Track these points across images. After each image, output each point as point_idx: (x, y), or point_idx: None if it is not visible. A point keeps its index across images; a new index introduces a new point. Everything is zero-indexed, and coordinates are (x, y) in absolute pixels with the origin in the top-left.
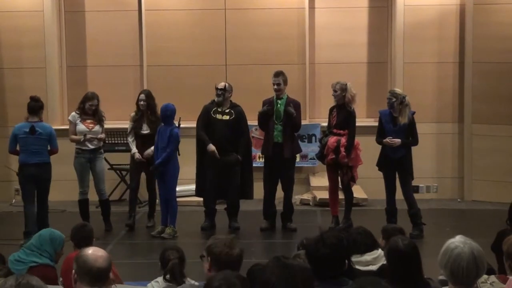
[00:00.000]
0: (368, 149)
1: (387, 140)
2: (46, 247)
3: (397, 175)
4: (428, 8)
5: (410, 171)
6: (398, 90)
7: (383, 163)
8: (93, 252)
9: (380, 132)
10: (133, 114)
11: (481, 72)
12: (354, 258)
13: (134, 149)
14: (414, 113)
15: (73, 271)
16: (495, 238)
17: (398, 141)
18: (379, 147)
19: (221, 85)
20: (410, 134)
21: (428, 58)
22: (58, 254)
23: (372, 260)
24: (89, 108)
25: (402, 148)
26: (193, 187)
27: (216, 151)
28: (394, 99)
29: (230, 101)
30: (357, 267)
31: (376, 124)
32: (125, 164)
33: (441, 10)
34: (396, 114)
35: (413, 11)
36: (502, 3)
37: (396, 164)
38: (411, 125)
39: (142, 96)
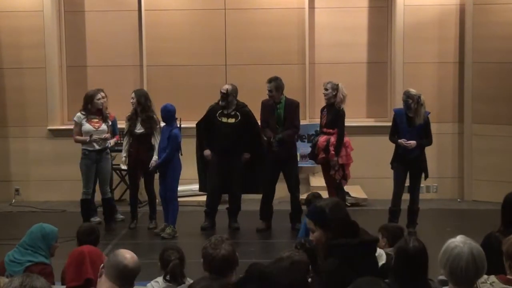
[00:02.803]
0: (368, 149)
1: (402, 142)
2: (40, 244)
3: (408, 174)
4: (428, 8)
5: (424, 170)
6: (413, 90)
7: (396, 163)
8: (126, 252)
9: (394, 131)
10: (128, 114)
11: (481, 72)
12: None
13: (123, 154)
14: (429, 113)
15: (102, 265)
16: (482, 241)
17: (413, 143)
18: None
19: (224, 88)
20: (424, 134)
21: (428, 58)
22: (53, 247)
23: None
24: (98, 103)
25: (417, 148)
26: (193, 187)
27: (209, 155)
28: (410, 101)
29: (237, 101)
30: None
31: (377, 124)
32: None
33: (441, 10)
34: (412, 114)
35: (413, 11)
36: (502, 3)
37: (410, 164)
38: (426, 125)
39: (133, 94)
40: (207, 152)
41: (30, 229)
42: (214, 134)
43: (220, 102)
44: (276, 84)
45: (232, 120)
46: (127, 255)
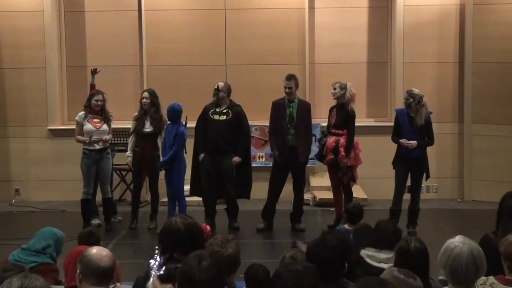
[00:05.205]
0: (368, 149)
1: (404, 142)
2: (49, 251)
3: (409, 174)
4: (428, 8)
5: (426, 170)
6: (416, 90)
7: (398, 162)
8: (98, 252)
9: (397, 131)
10: (135, 114)
11: (481, 72)
12: (370, 252)
13: (128, 153)
14: (431, 113)
15: (78, 271)
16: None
17: (414, 143)
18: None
19: (216, 85)
20: (426, 134)
21: (428, 58)
22: (58, 253)
23: (386, 259)
24: (96, 104)
25: (418, 148)
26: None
27: (204, 159)
28: (411, 99)
29: (231, 100)
30: (369, 261)
31: (377, 124)
32: (124, 164)
33: (441, 10)
34: (413, 114)
35: (413, 11)
36: (502, 3)
37: (411, 164)
38: (428, 125)
39: (146, 94)
40: (201, 156)
41: (40, 233)
42: (207, 132)
43: (212, 98)
44: (295, 82)
45: (223, 117)
46: (102, 257)
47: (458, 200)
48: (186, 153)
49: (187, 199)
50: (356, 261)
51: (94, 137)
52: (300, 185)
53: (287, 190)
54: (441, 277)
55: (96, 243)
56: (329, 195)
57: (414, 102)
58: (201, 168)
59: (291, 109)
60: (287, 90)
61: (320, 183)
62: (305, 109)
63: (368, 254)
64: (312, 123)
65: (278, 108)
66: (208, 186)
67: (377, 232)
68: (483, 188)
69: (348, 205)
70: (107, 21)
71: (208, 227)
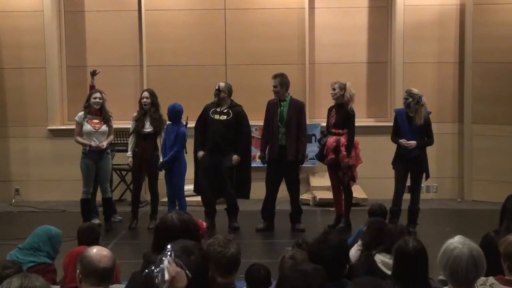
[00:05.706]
0: (368, 149)
1: (403, 142)
2: (44, 247)
3: (409, 174)
4: (428, 8)
5: (426, 170)
6: (415, 90)
7: (397, 162)
8: (98, 252)
9: (396, 131)
10: (135, 114)
11: (481, 72)
12: (384, 258)
13: (129, 153)
14: (430, 113)
15: (78, 271)
16: (480, 242)
17: (413, 143)
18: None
19: (218, 85)
20: (425, 134)
21: (428, 58)
22: (56, 252)
23: None
24: (95, 102)
25: (417, 148)
26: (192, 186)
27: (202, 157)
28: (410, 99)
29: (231, 100)
30: (382, 267)
31: (377, 124)
32: (124, 164)
33: (441, 10)
34: (412, 114)
35: (413, 11)
36: (502, 3)
37: (411, 164)
38: (427, 125)
39: (146, 94)
40: (200, 153)
41: (35, 231)
42: (207, 131)
43: (214, 99)
44: (281, 80)
45: (223, 117)
46: (102, 257)
47: (458, 200)
48: (186, 153)
49: (187, 199)
50: (369, 265)
51: (93, 144)
52: (293, 184)
53: (287, 190)
54: (441, 277)
55: (96, 238)
56: (329, 195)
57: (413, 102)
58: (201, 167)
59: (281, 108)
60: (272, 89)
61: (320, 183)
62: (297, 108)
63: (382, 260)
64: (312, 123)
65: (270, 108)
66: (208, 186)
67: (392, 239)
68: (483, 188)
69: (372, 206)
70: (107, 21)
71: (205, 224)
